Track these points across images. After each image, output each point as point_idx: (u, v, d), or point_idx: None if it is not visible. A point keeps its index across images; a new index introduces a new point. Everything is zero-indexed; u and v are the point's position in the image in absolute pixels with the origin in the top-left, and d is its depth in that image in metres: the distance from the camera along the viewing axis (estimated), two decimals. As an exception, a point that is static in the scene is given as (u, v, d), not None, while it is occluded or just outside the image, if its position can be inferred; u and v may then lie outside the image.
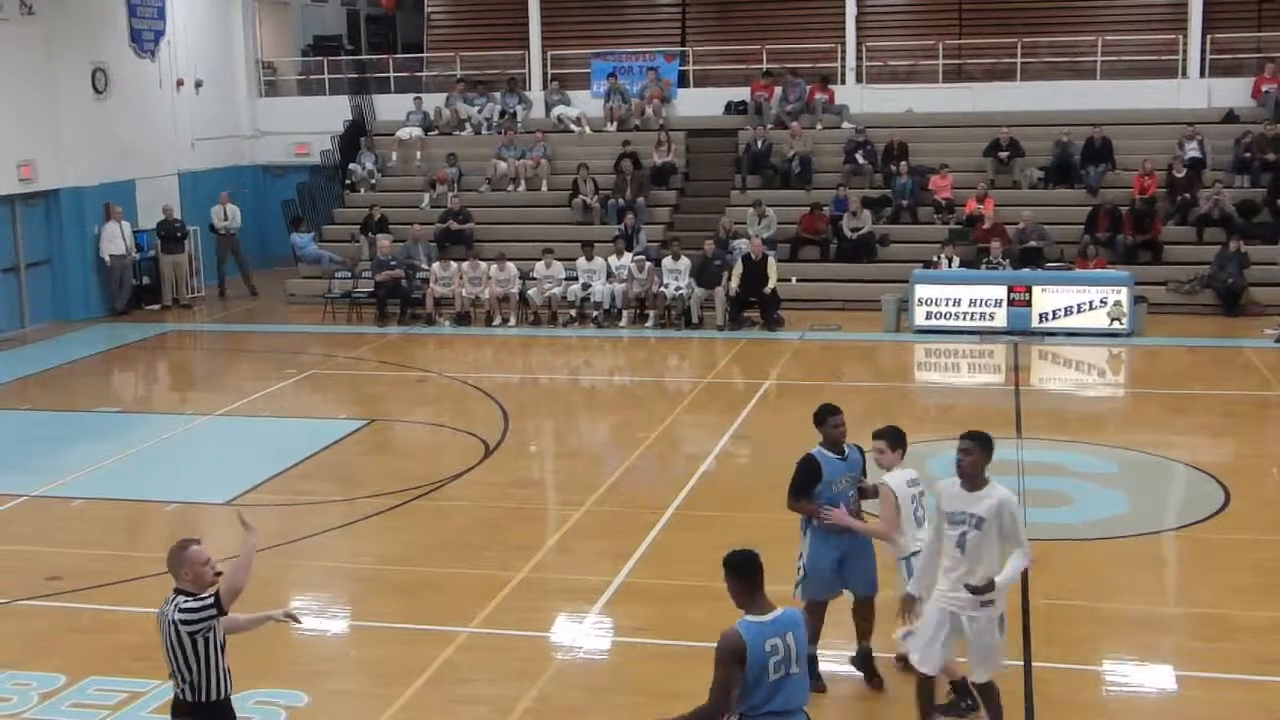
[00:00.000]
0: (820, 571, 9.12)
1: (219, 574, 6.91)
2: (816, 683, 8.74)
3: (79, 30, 25.33)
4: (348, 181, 29.20)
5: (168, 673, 6.97)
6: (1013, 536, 7.92)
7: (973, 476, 7.95)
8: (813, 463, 9.09)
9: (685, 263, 23.20)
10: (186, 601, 6.79)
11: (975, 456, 7.93)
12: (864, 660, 9.37)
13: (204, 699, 6.86)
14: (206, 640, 6.81)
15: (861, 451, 9.29)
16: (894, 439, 9.13)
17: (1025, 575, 11.27)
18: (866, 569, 9.26)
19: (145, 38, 27.39)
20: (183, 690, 6.88)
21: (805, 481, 9.06)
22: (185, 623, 6.74)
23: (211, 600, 6.77)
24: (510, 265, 23.98)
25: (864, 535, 9.14)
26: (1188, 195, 24.63)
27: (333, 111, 30.52)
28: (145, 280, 26.41)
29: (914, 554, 8.72)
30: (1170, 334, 21.77)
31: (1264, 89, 26.70)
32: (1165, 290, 23.33)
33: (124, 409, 19.11)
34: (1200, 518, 13.01)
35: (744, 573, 6.52)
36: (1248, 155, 25.34)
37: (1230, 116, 26.83)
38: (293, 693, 9.37)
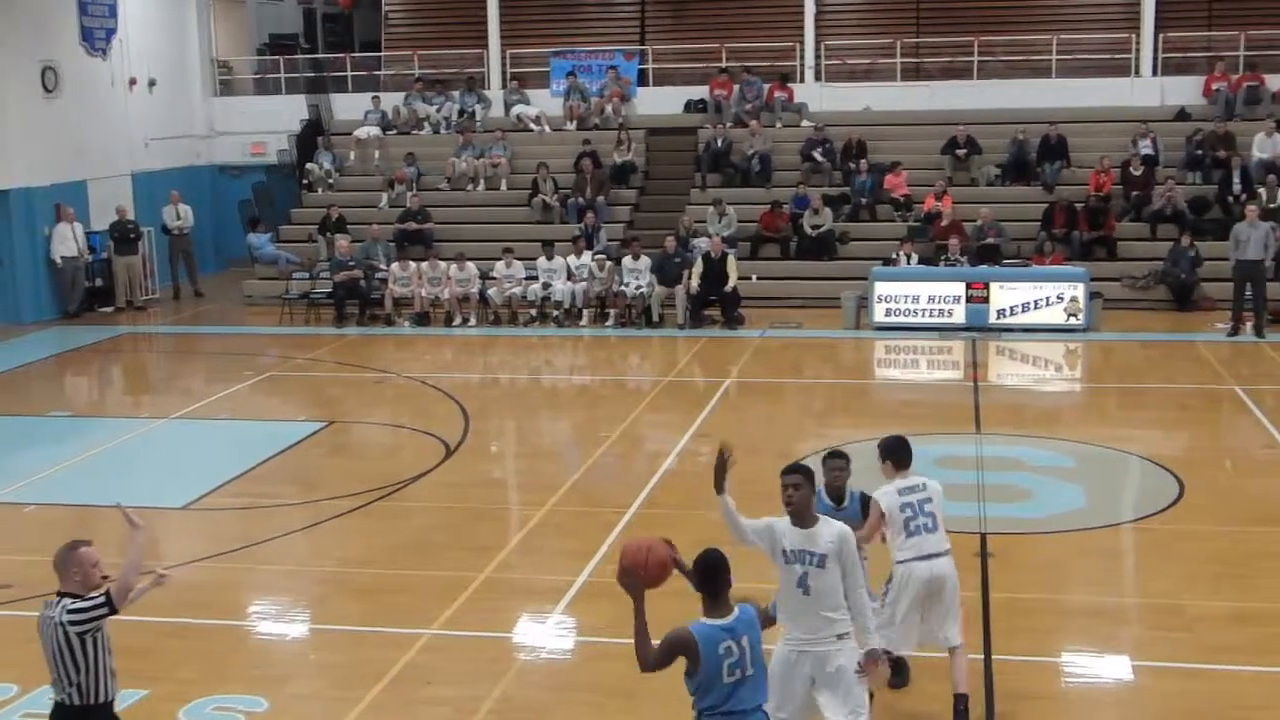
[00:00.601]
0: None
1: (105, 577, 6.85)
2: None
3: (28, 28, 25.10)
4: (305, 181, 29.06)
5: (50, 679, 6.91)
6: (853, 574, 7.39)
7: (804, 513, 7.34)
8: None
9: (645, 261, 23.21)
10: (75, 603, 6.75)
11: (805, 490, 7.33)
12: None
13: (92, 701, 6.83)
14: (95, 641, 6.78)
15: (866, 500, 8.68)
16: (884, 451, 8.74)
17: (985, 568, 11.38)
18: None
19: (96, 36, 27.16)
20: (68, 695, 6.84)
21: None
22: (75, 623, 6.71)
23: (103, 599, 6.73)
24: (470, 265, 23.92)
25: None
26: (1138, 192, 24.85)
27: (289, 111, 30.37)
28: (98, 282, 26.18)
29: (900, 562, 8.57)
30: (1125, 329, 21.96)
31: (1215, 87, 26.97)
32: (1120, 286, 23.54)
33: (77, 413, 18.95)
34: (1156, 510, 13.13)
35: (710, 576, 6.48)
36: (1199, 152, 25.58)
37: (1182, 114, 27.09)
38: (253, 698, 9.31)
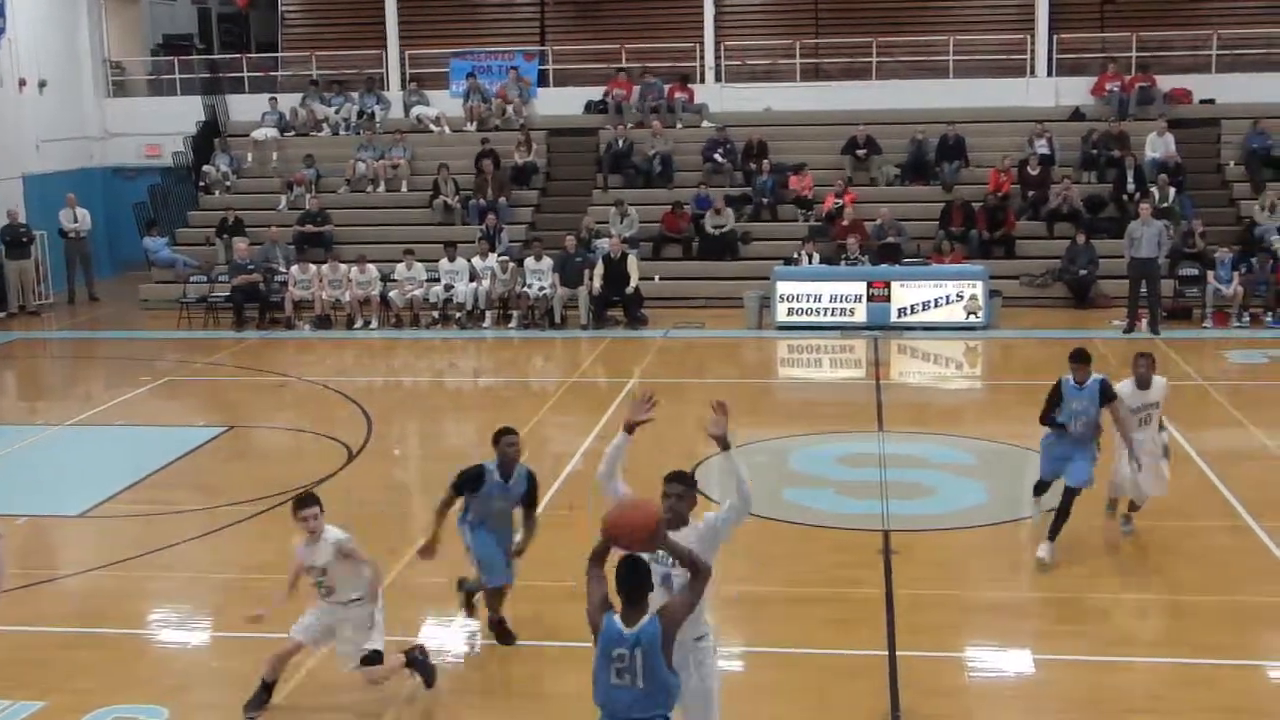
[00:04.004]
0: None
1: None
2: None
3: (-86, 28, 24.49)
4: (202, 184, 28.66)
5: None
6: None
7: (684, 521, 7.25)
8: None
9: (548, 262, 23.16)
10: None
11: (689, 500, 7.31)
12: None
13: None
14: None
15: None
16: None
17: (889, 564, 11.47)
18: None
19: (-17, 35, 26.57)
20: None
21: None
22: None
23: None
24: (371, 267, 23.72)
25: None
26: (1035, 191, 25.26)
27: (185, 112, 29.94)
28: (-11, 287, 25.64)
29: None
30: (1024, 326, 22.30)
31: (1107, 87, 27.48)
32: (1018, 284, 23.90)
33: (-30, 420, 18.51)
34: (1056, 505, 13.28)
35: (626, 582, 6.48)
36: (1094, 152, 26.05)
37: (1077, 114, 27.59)
38: (153, 708, 9.15)
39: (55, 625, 10.67)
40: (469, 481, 9.87)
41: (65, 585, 11.78)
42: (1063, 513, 11.43)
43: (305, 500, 9.12)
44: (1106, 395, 11.41)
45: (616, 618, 6.46)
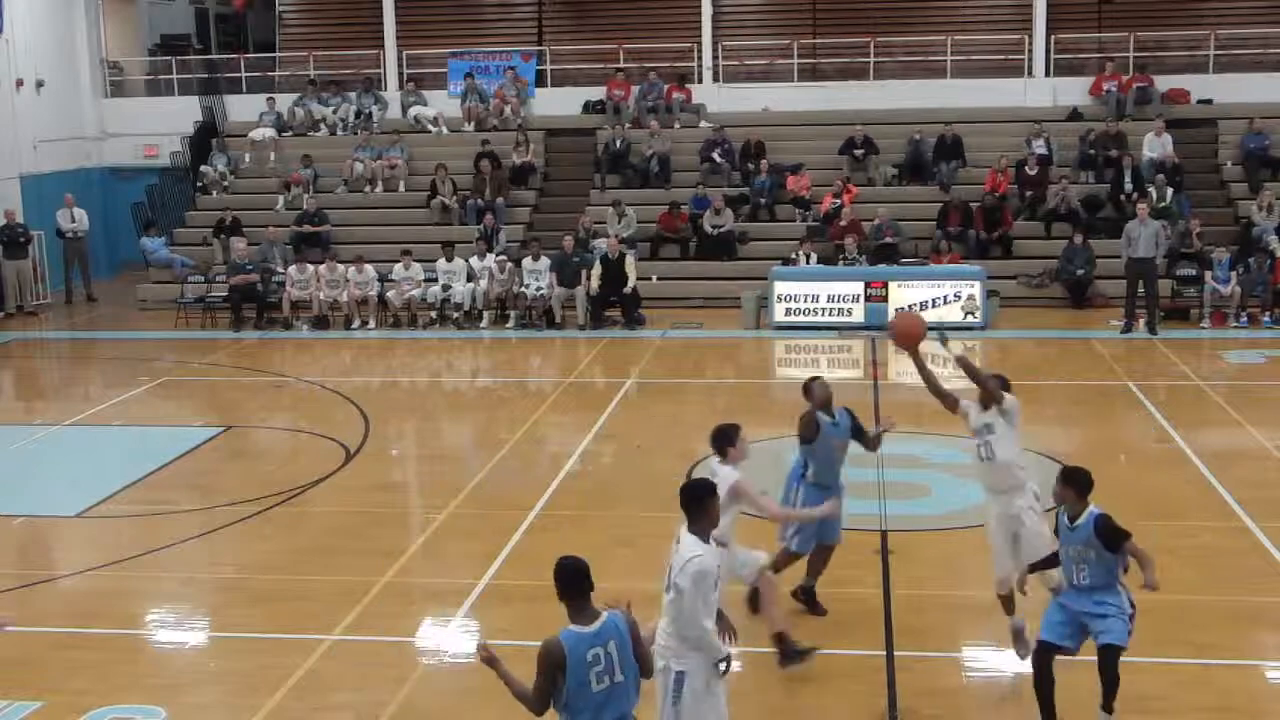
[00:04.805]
0: (808, 523, 10.13)
1: None
2: (816, 607, 10.42)
3: (-89, 28, 24.47)
4: (199, 184, 28.63)
5: None
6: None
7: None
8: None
9: (545, 262, 23.15)
10: None
11: None
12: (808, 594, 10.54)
13: None
14: None
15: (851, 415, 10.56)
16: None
17: (886, 565, 11.47)
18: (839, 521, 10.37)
19: (-20, 35, 26.53)
20: None
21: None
22: None
23: None
24: (369, 267, 23.71)
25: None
26: (1033, 191, 25.26)
27: (182, 112, 29.91)
28: (-13, 287, 25.62)
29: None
30: (1021, 326, 22.31)
31: (1104, 87, 27.48)
32: (1016, 284, 23.91)
33: (-33, 420, 18.50)
34: (1053, 505, 13.25)
35: (570, 582, 6.44)
36: (1092, 152, 26.05)
37: (1074, 114, 27.57)
38: (150, 708, 9.14)
39: (52, 625, 10.66)
40: (809, 431, 10.21)
41: (63, 585, 11.76)
42: (1111, 680, 8.45)
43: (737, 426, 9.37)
44: (1109, 536, 8.49)
45: (573, 628, 6.35)
